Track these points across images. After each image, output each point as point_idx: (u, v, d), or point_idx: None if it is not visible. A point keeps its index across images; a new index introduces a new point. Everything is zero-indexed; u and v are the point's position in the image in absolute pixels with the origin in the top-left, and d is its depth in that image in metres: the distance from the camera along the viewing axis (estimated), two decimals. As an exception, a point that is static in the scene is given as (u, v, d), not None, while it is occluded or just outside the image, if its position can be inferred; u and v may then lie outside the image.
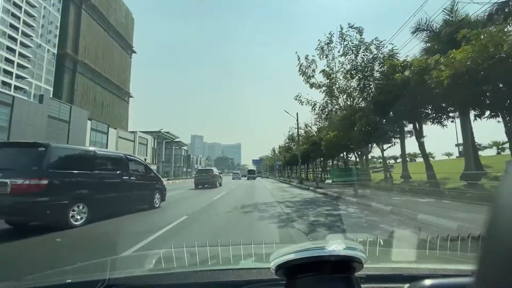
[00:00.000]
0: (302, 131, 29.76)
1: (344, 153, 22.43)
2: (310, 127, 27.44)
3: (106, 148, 38.84)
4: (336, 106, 15.88)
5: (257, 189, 18.74)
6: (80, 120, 39.77)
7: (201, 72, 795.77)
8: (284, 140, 42.28)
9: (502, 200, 0.34)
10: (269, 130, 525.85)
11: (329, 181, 20.29)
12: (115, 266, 1.48)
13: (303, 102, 15.63)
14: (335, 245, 0.75)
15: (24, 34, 59.09)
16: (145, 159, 45.38)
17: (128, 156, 7.96)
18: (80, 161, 6.37)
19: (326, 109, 16.33)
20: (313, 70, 14.82)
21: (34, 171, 5.28)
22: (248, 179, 43.94)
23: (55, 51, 62.55)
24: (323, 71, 14.82)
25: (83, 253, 4.17)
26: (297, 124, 25.56)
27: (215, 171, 21.56)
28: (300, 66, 14.57)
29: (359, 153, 18.60)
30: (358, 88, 14.54)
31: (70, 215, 5.62)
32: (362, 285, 0.78)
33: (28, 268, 3.33)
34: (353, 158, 23.38)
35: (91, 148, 7.50)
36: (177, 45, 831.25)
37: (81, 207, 5.86)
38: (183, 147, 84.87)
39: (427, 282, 0.66)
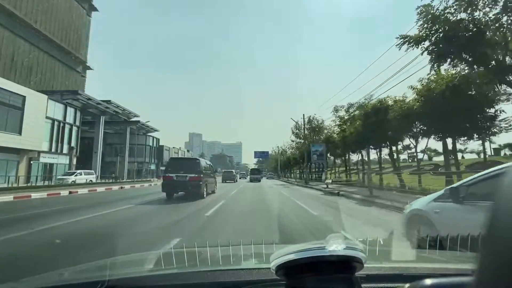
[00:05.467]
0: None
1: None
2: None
3: None
4: None
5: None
6: None
7: (201, 71, 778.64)
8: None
9: (502, 200, 0.34)
10: (270, 131, 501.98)
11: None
12: (115, 267, 1.47)
13: None
14: (336, 245, 0.75)
15: None
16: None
17: (211, 164, 16.23)
18: (208, 167, 14.47)
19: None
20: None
21: (198, 171, 11.85)
22: (251, 180, 34.61)
23: None
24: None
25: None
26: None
27: (235, 172, 38.06)
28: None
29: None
30: None
31: (204, 191, 12.19)
32: (362, 285, 0.78)
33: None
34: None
35: (206, 160, 16.62)
36: (177, 42, 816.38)
37: (205, 188, 12.24)
38: (149, 134, 51.44)
39: (427, 281, 0.66)
